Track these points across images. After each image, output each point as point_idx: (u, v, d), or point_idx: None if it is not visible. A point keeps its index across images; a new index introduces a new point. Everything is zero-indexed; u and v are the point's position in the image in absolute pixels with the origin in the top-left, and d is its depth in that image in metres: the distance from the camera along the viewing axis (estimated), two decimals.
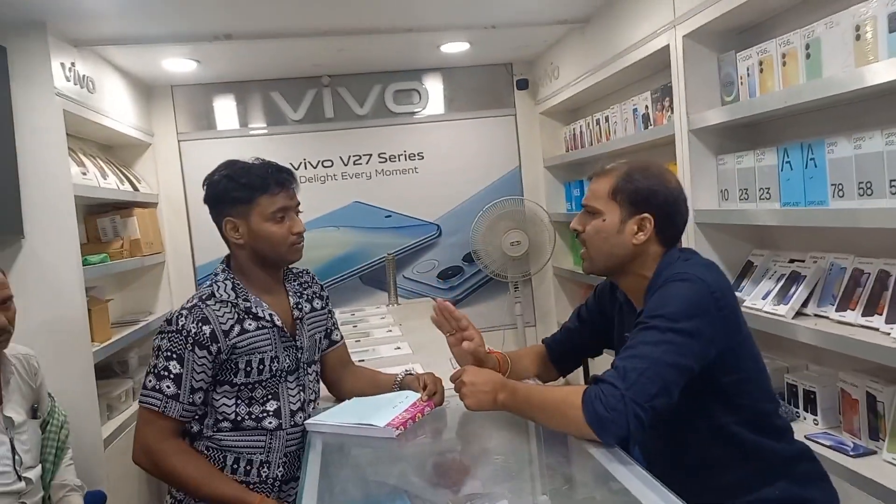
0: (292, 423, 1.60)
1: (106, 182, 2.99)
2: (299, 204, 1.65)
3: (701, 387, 1.32)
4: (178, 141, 3.75)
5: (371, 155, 3.95)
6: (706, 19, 2.15)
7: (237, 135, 3.83)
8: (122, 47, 2.87)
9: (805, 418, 1.96)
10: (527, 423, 1.47)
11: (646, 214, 1.40)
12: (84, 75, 2.76)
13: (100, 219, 3.15)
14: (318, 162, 3.91)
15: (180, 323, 1.50)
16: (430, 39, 3.30)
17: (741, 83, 2.10)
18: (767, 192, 2.02)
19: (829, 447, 1.77)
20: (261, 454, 1.57)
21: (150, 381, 1.51)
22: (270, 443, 1.57)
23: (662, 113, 2.64)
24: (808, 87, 1.78)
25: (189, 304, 1.54)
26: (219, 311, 1.53)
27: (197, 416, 1.55)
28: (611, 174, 1.44)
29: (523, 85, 3.99)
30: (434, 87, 3.98)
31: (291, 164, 3.79)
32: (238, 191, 1.55)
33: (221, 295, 1.56)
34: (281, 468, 1.59)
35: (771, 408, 1.43)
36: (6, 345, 1.76)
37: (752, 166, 2.08)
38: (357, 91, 3.89)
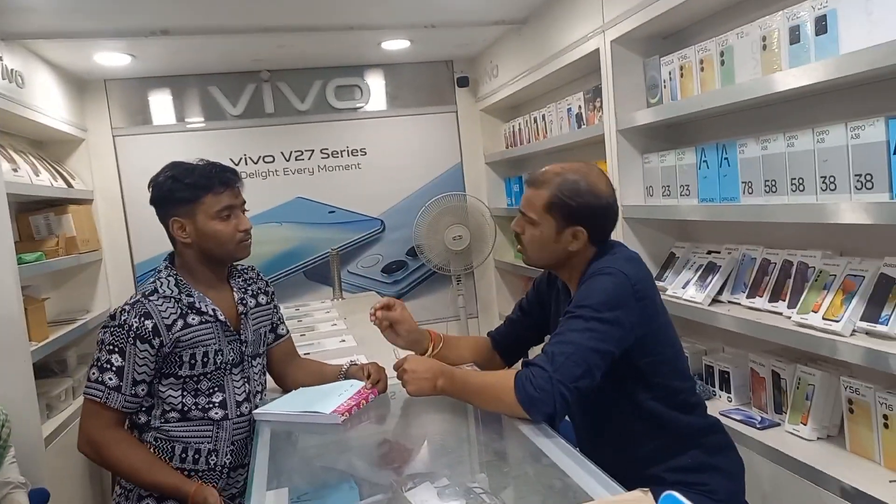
0: (238, 413, 1.65)
1: (39, 179, 2.91)
2: (244, 202, 1.69)
3: (621, 368, 1.45)
4: (113, 136, 3.67)
5: (313, 150, 3.97)
6: (632, 25, 2.28)
7: (175, 130, 3.77)
8: (53, 41, 2.80)
9: (720, 396, 2.14)
10: (464, 406, 1.56)
11: (579, 227, 1.50)
12: (12, 69, 2.68)
13: (33, 216, 3.06)
14: (259, 157, 3.90)
15: (122, 318, 1.53)
16: (371, 37, 3.34)
17: (664, 86, 2.24)
18: (687, 189, 2.17)
19: (739, 421, 1.94)
20: (208, 443, 1.61)
21: (93, 373, 1.53)
22: (217, 432, 1.62)
23: (594, 112, 2.78)
24: (722, 92, 1.94)
25: (132, 300, 1.57)
26: (161, 306, 1.56)
27: (143, 408, 1.58)
28: (545, 187, 1.52)
29: (464, 82, 4.09)
30: (376, 84, 4.03)
31: (231, 159, 3.79)
32: (183, 191, 1.58)
33: (164, 291, 1.59)
34: (228, 456, 1.64)
35: (685, 386, 1.57)
36: None
37: (673, 164, 2.24)
38: (298, 86, 3.90)
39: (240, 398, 1.65)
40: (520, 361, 1.87)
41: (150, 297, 1.57)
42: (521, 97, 3.67)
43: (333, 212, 4.02)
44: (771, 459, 1.77)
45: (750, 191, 1.88)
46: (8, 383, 2.30)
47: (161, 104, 3.75)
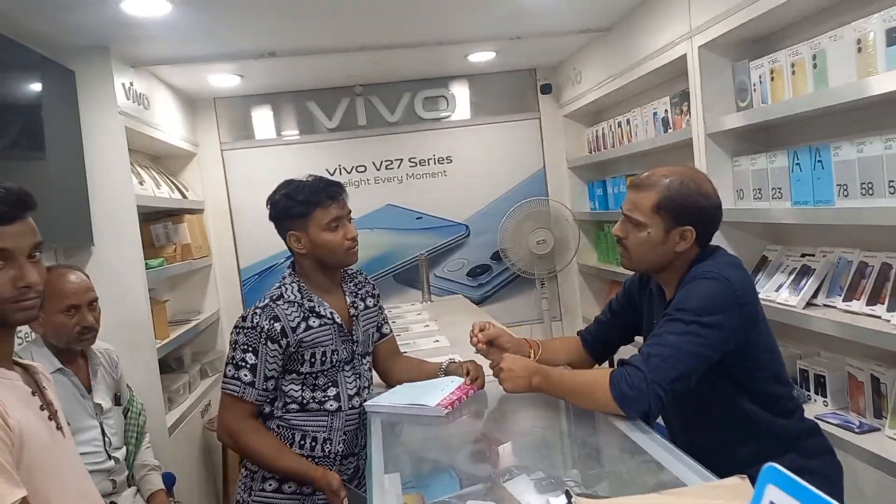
0: (350, 406, 1.80)
1: (160, 191, 3.23)
2: (350, 212, 1.84)
3: (720, 372, 1.47)
4: (221, 150, 3.99)
5: (402, 159, 4.15)
6: (721, 31, 2.30)
7: (275, 143, 4.06)
8: (174, 66, 3.11)
9: (816, 400, 2.11)
10: (558, 403, 1.63)
11: (688, 227, 1.51)
12: (140, 93, 3.00)
13: (153, 225, 3.38)
14: (353, 167, 4.12)
15: (255, 320, 1.71)
16: (458, 50, 3.48)
17: (754, 90, 2.24)
18: (780, 192, 2.17)
19: (837, 426, 1.92)
20: (323, 432, 1.78)
21: (229, 370, 1.72)
22: (332, 423, 1.78)
23: (681, 116, 2.79)
24: (816, 96, 1.93)
25: (262, 304, 1.75)
26: (287, 310, 1.74)
27: (269, 400, 1.76)
28: (654, 188, 1.53)
29: (547, 89, 4.16)
30: (461, 94, 4.17)
31: (327, 169, 4.03)
32: (296, 207, 1.75)
33: (289, 296, 1.76)
34: (341, 444, 1.80)
35: (783, 391, 1.58)
36: (93, 341, 1.99)
37: (765, 167, 2.23)
38: (388, 99, 4.10)
39: (351, 392, 1.81)
40: (611, 360, 1.93)
41: (278, 302, 1.75)
42: (604, 102, 3.70)
43: (420, 218, 4.19)
44: (871, 464, 1.75)
45: (845, 193, 1.86)
46: (139, 377, 2.57)
47: (263, 119, 4.05)
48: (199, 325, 3.54)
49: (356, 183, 4.11)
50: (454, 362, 1.90)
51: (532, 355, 1.81)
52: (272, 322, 1.70)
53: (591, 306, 4.22)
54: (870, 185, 1.77)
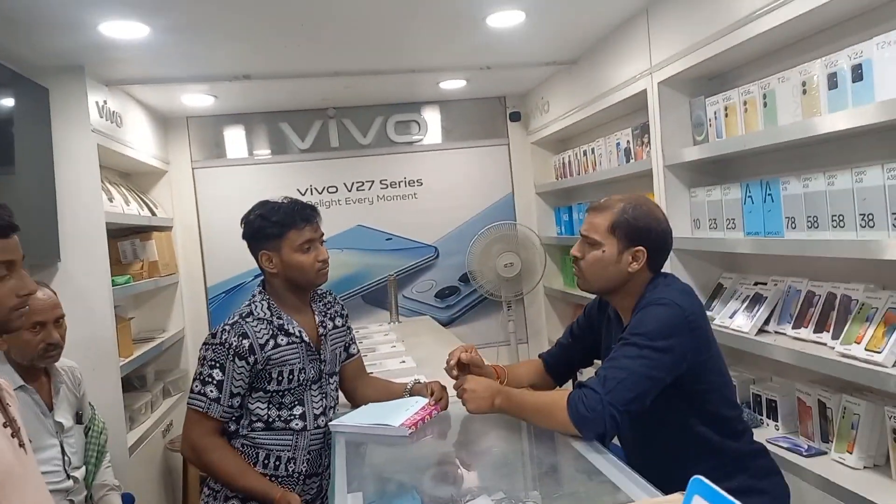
0: (315, 425, 1.82)
1: (129, 209, 3.22)
2: (323, 235, 1.88)
3: (672, 394, 1.54)
4: (192, 168, 4.00)
5: (373, 181, 4.21)
6: (678, 69, 2.42)
7: (247, 163, 4.08)
8: (148, 86, 3.12)
9: (768, 424, 2.20)
10: (520, 424, 1.68)
11: (640, 248, 1.60)
12: (114, 111, 3.01)
13: (121, 242, 3.36)
14: (324, 188, 4.16)
15: (223, 337, 1.73)
16: (431, 77, 3.57)
17: (710, 125, 2.36)
18: (733, 223, 2.28)
19: (786, 449, 2.01)
20: (288, 451, 1.79)
21: (196, 386, 1.73)
22: (296, 442, 1.80)
23: (642, 147, 2.91)
24: (765, 133, 2.05)
25: (231, 321, 1.77)
26: (256, 327, 1.76)
27: (234, 418, 1.77)
28: (609, 210, 1.64)
29: (516, 117, 4.28)
30: (432, 119, 4.26)
31: (298, 189, 4.06)
32: (271, 227, 1.79)
33: (258, 313, 1.79)
34: (305, 464, 1.81)
35: (732, 413, 1.65)
36: (58, 358, 1.98)
37: (719, 199, 2.34)
38: (360, 122, 4.16)
39: (317, 412, 1.83)
40: (570, 382, 1.99)
41: (247, 319, 1.77)
42: (571, 131, 3.82)
43: (390, 239, 4.24)
44: (817, 486, 1.83)
45: (793, 225, 1.97)
46: (101, 395, 2.54)
47: (235, 139, 4.07)
48: (163, 342, 3.51)
49: (327, 203, 4.14)
50: (419, 383, 1.94)
51: (497, 378, 1.86)
52: (240, 339, 1.72)
53: (556, 329, 4.29)
54: (815, 219, 1.88)
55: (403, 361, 2.64)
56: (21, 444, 1.16)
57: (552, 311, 4.35)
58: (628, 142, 3.03)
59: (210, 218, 3.98)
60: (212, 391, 1.71)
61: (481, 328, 4.28)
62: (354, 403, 2.00)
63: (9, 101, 2.37)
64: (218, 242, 3.93)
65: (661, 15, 2.52)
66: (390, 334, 3.35)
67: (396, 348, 2.94)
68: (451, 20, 2.62)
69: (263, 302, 1.81)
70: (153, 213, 3.59)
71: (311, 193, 4.12)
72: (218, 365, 1.71)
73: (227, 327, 1.74)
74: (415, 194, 4.26)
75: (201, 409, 1.71)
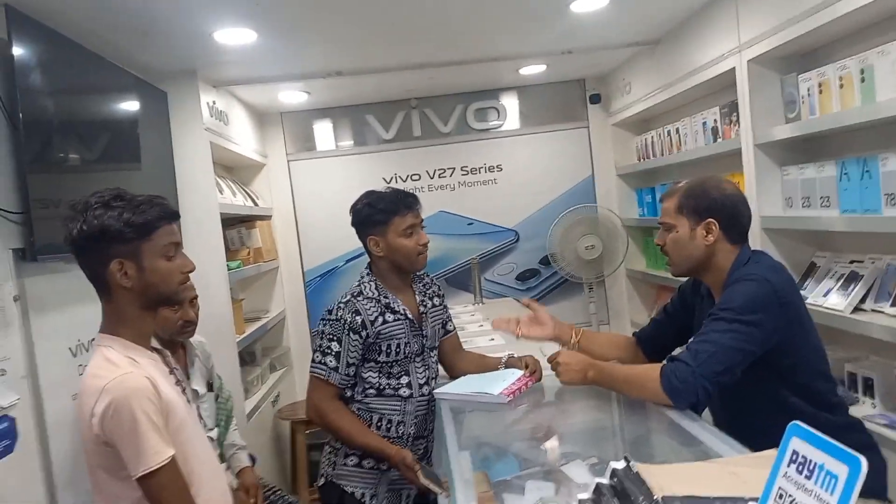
0: (420, 393, 2.00)
1: (236, 200, 3.49)
2: (423, 220, 2.03)
3: (763, 367, 1.60)
4: (287, 161, 4.25)
5: (454, 168, 4.34)
6: (769, 46, 2.39)
7: (335, 154, 4.29)
8: (250, 85, 3.36)
9: (864, 402, 2.19)
10: (610, 394, 1.77)
11: (710, 219, 1.67)
12: (221, 110, 3.27)
13: (228, 231, 3.65)
14: (408, 176, 4.33)
15: (339, 313, 1.92)
16: (511, 65, 3.65)
17: (802, 103, 2.33)
18: (827, 201, 2.25)
19: (884, 425, 2.00)
20: (398, 415, 1.97)
21: (317, 356, 1.93)
22: (404, 407, 1.98)
23: (730, 126, 2.88)
24: (863, 110, 2.02)
25: (344, 300, 1.95)
26: (366, 305, 1.94)
27: (350, 385, 1.96)
28: (675, 194, 1.73)
29: (596, 99, 4.29)
30: (511, 105, 4.33)
31: (383, 178, 4.24)
32: (377, 215, 1.96)
33: (368, 293, 1.96)
34: (413, 427, 2.00)
35: (826, 387, 1.68)
36: (192, 334, 2.23)
37: (813, 177, 2.32)
38: (441, 111, 4.30)
39: (421, 381, 2.00)
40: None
41: (358, 298, 1.95)
42: (653, 112, 3.80)
43: (472, 224, 4.36)
44: None
45: (893, 202, 1.95)
46: (222, 369, 2.79)
47: (324, 132, 4.29)
48: (267, 322, 3.79)
49: (411, 191, 4.28)
50: (513, 357, 2.06)
51: (574, 335, 1.97)
52: (354, 315, 1.90)
53: (638, 311, 4.31)
54: None
55: (492, 339, 2.77)
56: (188, 401, 1.37)
57: (634, 292, 4.37)
58: (715, 121, 3.01)
59: (304, 207, 4.23)
60: (331, 361, 1.90)
61: (562, 310, 4.34)
62: (453, 375, 2.15)
63: (134, 105, 2.64)
64: (312, 229, 4.18)
65: None
66: (476, 315, 3.49)
67: (484, 328, 3.07)
68: (536, 9, 2.69)
69: (371, 283, 1.98)
70: (255, 204, 3.86)
71: (396, 182, 4.29)
72: (335, 338, 1.89)
73: (341, 305, 1.92)
74: (495, 180, 4.36)
75: (323, 377, 1.90)
